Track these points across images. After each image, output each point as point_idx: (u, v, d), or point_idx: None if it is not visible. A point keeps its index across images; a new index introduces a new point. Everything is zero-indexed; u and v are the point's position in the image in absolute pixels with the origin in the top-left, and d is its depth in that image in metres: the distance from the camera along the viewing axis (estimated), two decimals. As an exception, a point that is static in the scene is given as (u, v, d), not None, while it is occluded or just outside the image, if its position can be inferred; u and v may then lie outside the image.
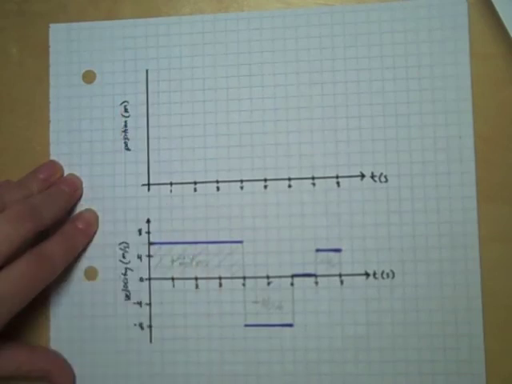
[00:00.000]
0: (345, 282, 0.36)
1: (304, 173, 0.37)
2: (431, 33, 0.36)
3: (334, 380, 0.36)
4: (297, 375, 0.36)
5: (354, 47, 0.37)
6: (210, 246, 0.37)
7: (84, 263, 0.37)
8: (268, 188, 0.37)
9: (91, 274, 0.37)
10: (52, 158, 0.38)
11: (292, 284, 0.36)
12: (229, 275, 0.36)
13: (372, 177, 0.36)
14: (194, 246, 0.37)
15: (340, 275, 0.36)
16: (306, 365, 0.36)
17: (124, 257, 0.37)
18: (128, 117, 0.38)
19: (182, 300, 0.37)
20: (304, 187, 0.36)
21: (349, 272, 0.36)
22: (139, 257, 0.37)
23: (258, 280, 0.36)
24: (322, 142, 0.37)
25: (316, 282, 0.36)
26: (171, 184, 0.37)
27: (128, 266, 0.37)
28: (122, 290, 0.37)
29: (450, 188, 0.36)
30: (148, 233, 0.37)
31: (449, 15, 0.36)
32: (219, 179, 0.37)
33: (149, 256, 0.37)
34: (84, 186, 0.38)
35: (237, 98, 0.37)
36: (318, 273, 0.36)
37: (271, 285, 0.36)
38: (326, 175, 0.36)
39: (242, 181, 0.37)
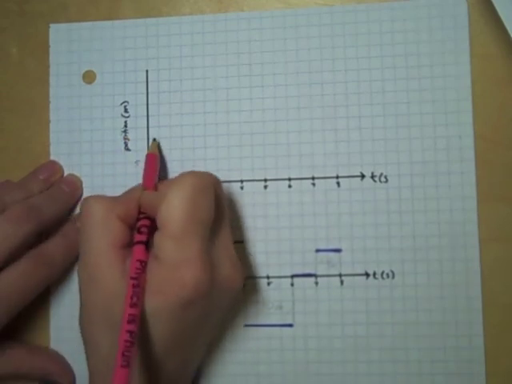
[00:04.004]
0: (345, 282, 0.36)
1: (304, 173, 0.37)
2: (431, 33, 0.36)
3: (333, 380, 0.36)
4: (297, 375, 0.36)
5: (353, 47, 0.37)
6: (210, 246, 0.37)
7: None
8: (268, 188, 0.37)
9: (91, 274, 0.37)
10: (52, 158, 0.38)
11: (292, 284, 0.36)
12: (229, 275, 0.36)
13: (372, 177, 0.36)
14: (194, 246, 0.37)
15: (340, 275, 0.36)
16: (306, 365, 0.36)
17: (124, 257, 0.37)
18: (128, 117, 0.38)
19: (182, 300, 0.37)
20: (304, 187, 0.36)
21: (349, 272, 0.36)
22: (139, 257, 0.37)
23: (258, 280, 0.36)
24: (321, 141, 0.37)
25: (316, 282, 0.36)
26: (171, 184, 0.37)
27: (128, 266, 0.37)
28: (122, 290, 0.37)
29: (450, 188, 0.36)
30: (148, 233, 0.37)
31: (449, 15, 0.36)
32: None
33: (149, 256, 0.37)
34: (84, 186, 0.38)
35: (237, 98, 0.37)
36: (318, 273, 0.36)
37: (271, 285, 0.36)
38: (326, 175, 0.36)
39: (242, 181, 0.37)
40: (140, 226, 0.32)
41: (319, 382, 0.36)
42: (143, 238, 0.31)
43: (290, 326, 0.36)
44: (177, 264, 0.29)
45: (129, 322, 0.28)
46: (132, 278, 0.29)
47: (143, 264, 0.30)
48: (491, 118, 0.36)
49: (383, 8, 0.37)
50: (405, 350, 0.35)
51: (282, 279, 0.36)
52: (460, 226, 0.35)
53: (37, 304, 0.36)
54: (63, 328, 0.37)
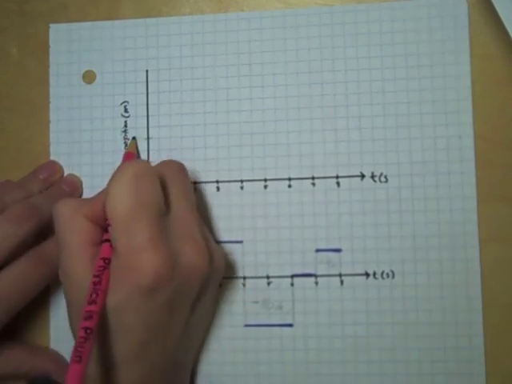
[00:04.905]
0: (345, 282, 0.36)
1: (304, 173, 0.37)
2: (431, 33, 0.36)
3: (333, 380, 0.36)
4: (297, 375, 0.36)
5: (354, 47, 0.37)
6: (210, 245, 0.37)
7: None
8: (268, 188, 0.37)
9: (91, 273, 0.37)
10: (52, 158, 0.38)
11: (292, 284, 0.36)
12: (229, 275, 0.36)
13: (372, 177, 0.36)
14: (194, 245, 0.37)
15: (340, 275, 0.36)
16: (305, 365, 0.36)
17: (124, 257, 0.37)
18: (128, 117, 0.38)
19: (182, 300, 0.37)
20: (304, 187, 0.36)
21: (349, 272, 0.36)
22: (139, 257, 0.37)
23: (258, 280, 0.36)
24: (321, 141, 0.37)
25: (316, 282, 0.36)
26: (171, 184, 0.37)
27: (128, 265, 0.37)
28: (122, 289, 0.37)
29: (450, 188, 0.36)
30: (148, 233, 0.37)
31: (449, 15, 0.36)
32: (219, 179, 0.37)
33: (149, 256, 0.37)
34: (84, 186, 0.38)
35: (237, 98, 0.37)
36: (318, 273, 0.36)
37: (271, 285, 0.36)
38: (326, 175, 0.36)
39: (242, 181, 0.37)
40: (107, 224, 0.31)
41: (319, 382, 0.36)
42: (109, 236, 0.31)
43: (290, 325, 0.36)
44: (131, 253, 0.29)
45: (85, 318, 0.28)
46: (94, 276, 0.30)
47: (107, 261, 0.30)
48: (491, 118, 0.36)
49: (383, 8, 0.37)
50: (405, 349, 0.35)
51: (282, 279, 0.36)
52: (460, 226, 0.35)
53: (37, 304, 0.36)
54: (63, 328, 0.37)
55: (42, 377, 0.35)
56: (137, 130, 0.38)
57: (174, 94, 0.38)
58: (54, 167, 0.38)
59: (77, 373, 0.27)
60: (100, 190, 0.37)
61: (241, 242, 0.37)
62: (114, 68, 0.38)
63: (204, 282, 0.32)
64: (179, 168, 0.34)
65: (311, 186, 0.36)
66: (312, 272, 0.36)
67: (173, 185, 0.33)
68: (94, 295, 0.29)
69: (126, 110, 0.38)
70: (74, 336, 0.32)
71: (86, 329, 0.28)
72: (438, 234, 0.35)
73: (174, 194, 0.32)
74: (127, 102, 0.38)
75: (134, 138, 0.37)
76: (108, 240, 0.31)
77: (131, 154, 0.36)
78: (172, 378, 0.33)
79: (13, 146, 0.39)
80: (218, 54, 0.37)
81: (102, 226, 0.32)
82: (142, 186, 0.30)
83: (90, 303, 0.29)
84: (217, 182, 0.37)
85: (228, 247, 0.37)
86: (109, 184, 0.31)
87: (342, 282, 0.36)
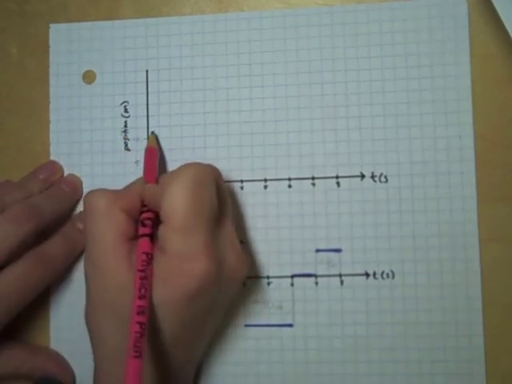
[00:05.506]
0: (345, 282, 0.36)
1: (304, 173, 0.37)
2: (431, 33, 0.36)
3: (333, 380, 0.36)
4: (297, 375, 0.36)
5: (353, 47, 0.37)
6: (210, 246, 0.37)
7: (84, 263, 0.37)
8: (268, 188, 0.37)
9: (91, 274, 0.37)
10: (52, 158, 0.38)
11: (292, 284, 0.36)
12: (229, 275, 0.36)
13: (372, 177, 0.36)
14: (194, 246, 0.37)
15: (340, 275, 0.36)
16: (305, 365, 0.36)
17: (124, 257, 0.37)
18: (128, 117, 0.38)
19: (182, 300, 0.37)
20: (304, 187, 0.36)
21: (349, 272, 0.36)
22: (139, 257, 0.37)
23: (258, 280, 0.36)
24: (322, 142, 0.37)
25: (316, 282, 0.36)
26: (171, 184, 0.37)
27: (128, 266, 0.37)
28: (122, 289, 0.37)
29: (450, 188, 0.36)
30: (148, 233, 0.37)
31: (449, 15, 0.36)
32: (219, 179, 0.37)
33: (149, 256, 0.37)
34: (84, 186, 0.38)
35: (237, 98, 0.37)
36: (318, 273, 0.36)
37: (271, 285, 0.36)
38: (326, 175, 0.36)
39: (242, 181, 0.37)
40: (143, 218, 0.32)
41: (319, 382, 0.36)
42: (147, 230, 0.32)
43: (290, 326, 0.36)
44: (184, 256, 0.30)
45: (138, 313, 0.29)
46: (139, 271, 0.30)
47: (149, 256, 0.31)
48: (491, 118, 0.36)
49: (383, 8, 0.37)
50: (405, 349, 0.35)
51: (282, 279, 0.36)
52: (460, 226, 0.35)
53: (37, 304, 0.36)
54: (63, 328, 0.37)
55: (47, 377, 0.35)
56: (137, 130, 0.38)
57: (174, 93, 0.38)
58: (54, 167, 0.38)
59: (137, 368, 0.27)
60: (100, 190, 0.37)
61: (241, 242, 0.37)
62: (114, 68, 0.38)
63: (239, 285, 0.33)
64: (219, 172, 0.34)
65: (311, 186, 0.36)
66: (312, 272, 0.36)
67: (221, 190, 0.33)
68: (143, 290, 0.29)
69: (125, 110, 0.38)
70: (89, 330, 0.32)
71: (140, 324, 0.28)
72: (438, 234, 0.35)
73: (220, 199, 0.33)
74: (127, 102, 0.38)
75: (152, 133, 0.37)
76: (145, 235, 0.31)
77: (153, 149, 0.36)
78: (183, 375, 0.33)
79: (13, 146, 0.39)
80: (218, 54, 0.37)
81: (136, 219, 0.32)
82: (202, 191, 0.31)
83: (140, 298, 0.29)
84: (217, 182, 0.37)
85: (228, 247, 0.37)
86: (169, 186, 0.31)
87: (342, 282, 0.36)
